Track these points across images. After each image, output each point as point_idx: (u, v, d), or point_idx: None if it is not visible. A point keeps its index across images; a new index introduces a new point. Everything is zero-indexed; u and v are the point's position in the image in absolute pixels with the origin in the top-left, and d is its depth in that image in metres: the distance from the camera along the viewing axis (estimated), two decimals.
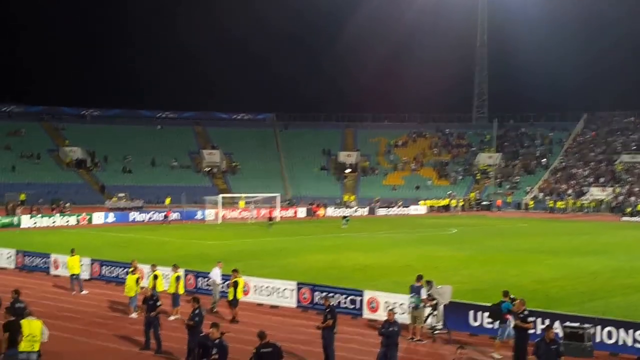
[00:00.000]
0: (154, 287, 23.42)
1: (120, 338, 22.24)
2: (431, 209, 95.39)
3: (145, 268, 28.54)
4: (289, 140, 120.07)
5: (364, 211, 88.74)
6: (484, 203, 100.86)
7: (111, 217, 70.61)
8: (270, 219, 66.23)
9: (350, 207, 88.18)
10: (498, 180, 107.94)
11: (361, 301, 25.36)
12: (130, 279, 25.81)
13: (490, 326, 22.48)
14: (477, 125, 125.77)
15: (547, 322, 21.07)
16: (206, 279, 29.14)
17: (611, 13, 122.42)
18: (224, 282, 26.79)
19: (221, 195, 77.09)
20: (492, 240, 54.54)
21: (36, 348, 16.54)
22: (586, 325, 20.86)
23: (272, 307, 27.20)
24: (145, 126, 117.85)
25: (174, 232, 59.70)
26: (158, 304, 21.23)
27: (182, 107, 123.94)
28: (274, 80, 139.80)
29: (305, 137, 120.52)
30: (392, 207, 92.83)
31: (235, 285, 24.90)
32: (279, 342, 16.13)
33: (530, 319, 19.75)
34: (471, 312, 23.19)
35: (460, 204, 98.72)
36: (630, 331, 20.60)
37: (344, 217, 69.55)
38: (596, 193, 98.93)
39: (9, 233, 55.82)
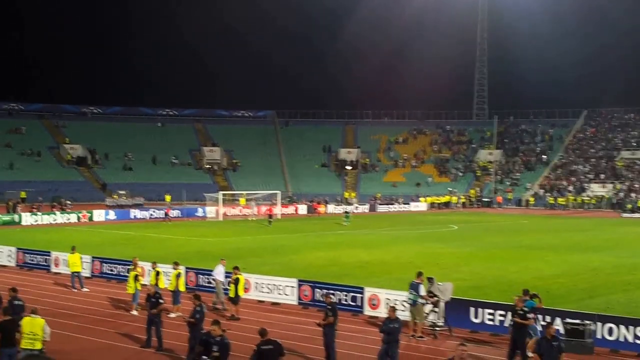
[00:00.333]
0: (156, 284, 23.42)
1: (121, 335, 22.25)
2: (432, 205, 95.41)
3: (146, 265, 28.57)
4: (289, 137, 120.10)
5: (365, 208, 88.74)
6: (485, 200, 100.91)
7: (112, 214, 70.65)
8: (270, 216, 66.25)
9: (351, 204, 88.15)
10: (498, 176, 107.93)
11: (362, 298, 25.35)
12: (131, 276, 25.83)
13: (491, 323, 22.50)
14: (478, 122, 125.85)
15: (547, 318, 21.07)
16: (206, 276, 29.21)
17: (611, 9, 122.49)
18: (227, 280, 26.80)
19: (222, 193, 77.13)
20: (492, 237, 54.54)
21: (37, 346, 16.48)
22: (587, 322, 20.86)
23: (273, 304, 27.22)
24: (146, 123, 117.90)
25: (175, 229, 59.69)
26: (160, 301, 21.23)
27: (183, 104, 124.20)
28: (274, 77, 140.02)
29: (305, 134, 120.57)
30: (393, 204, 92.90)
31: (236, 282, 24.90)
32: (279, 339, 16.14)
33: (530, 315, 19.73)
34: (472, 309, 23.18)
35: (462, 200, 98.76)
36: (631, 328, 20.58)
37: (346, 213, 69.64)
38: (597, 189, 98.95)
39: (10, 231, 55.83)
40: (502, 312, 22.13)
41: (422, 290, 22.65)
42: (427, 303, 22.80)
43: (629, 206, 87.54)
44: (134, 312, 25.09)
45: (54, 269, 34.77)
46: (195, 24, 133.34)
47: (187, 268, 29.61)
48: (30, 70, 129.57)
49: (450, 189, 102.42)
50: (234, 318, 24.30)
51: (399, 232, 59.27)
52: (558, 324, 20.80)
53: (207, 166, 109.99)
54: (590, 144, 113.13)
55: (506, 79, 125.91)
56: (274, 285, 27.74)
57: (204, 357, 15.89)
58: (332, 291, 25.02)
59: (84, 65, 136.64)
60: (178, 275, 25.63)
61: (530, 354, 18.37)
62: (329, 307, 19.66)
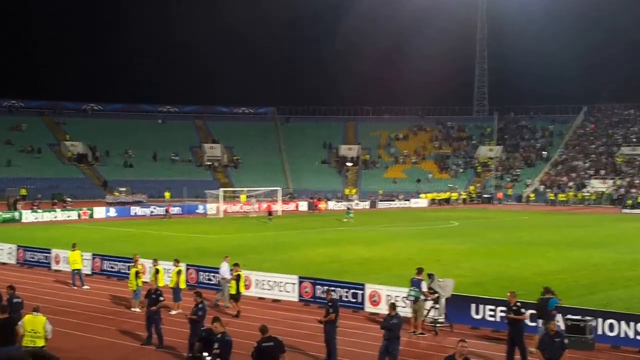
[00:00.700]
0: (156, 281, 23.42)
1: (122, 333, 22.25)
2: (432, 202, 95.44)
3: (147, 263, 28.55)
4: (290, 134, 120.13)
5: (366, 204, 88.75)
6: (485, 196, 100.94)
7: (112, 211, 70.67)
8: (270, 213, 66.25)
9: (352, 200, 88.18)
10: (499, 173, 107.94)
11: (363, 295, 25.36)
12: (132, 273, 25.83)
13: (492, 319, 22.50)
14: (478, 118, 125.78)
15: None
16: (207, 273, 29.23)
17: (611, 5, 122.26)
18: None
19: (222, 189, 77.19)
20: (493, 233, 54.54)
21: (38, 344, 16.46)
22: (588, 318, 20.84)
23: (274, 301, 27.22)
24: (147, 120, 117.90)
25: (175, 226, 59.71)
26: (160, 298, 21.21)
27: (183, 101, 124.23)
28: (275, 73, 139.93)
29: (306, 130, 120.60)
30: (393, 200, 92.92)
31: (238, 279, 24.91)
32: (280, 336, 16.13)
33: (524, 310, 19.70)
34: (473, 305, 23.18)
35: (462, 196, 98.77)
36: (632, 324, 20.56)
37: (348, 209, 69.74)
38: (597, 185, 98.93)
39: (10, 228, 55.85)
40: (503, 309, 22.06)
41: (424, 287, 22.66)
42: (427, 299, 22.81)
43: (630, 202, 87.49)
44: (136, 309, 25.08)
45: (54, 267, 34.77)
46: (195, 21, 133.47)
47: (187, 265, 29.63)
48: (30, 67, 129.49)
49: (451, 185, 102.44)
50: (237, 315, 24.28)
51: (399, 229, 59.28)
52: (559, 320, 20.76)
53: (208, 163, 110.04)
54: (590, 140, 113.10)
55: (506, 75, 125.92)
56: (275, 282, 27.74)
57: (205, 354, 15.88)
58: (332, 288, 25.01)
59: (85, 62, 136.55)
60: (179, 273, 25.63)
61: (532, 350, 18.41)
62: (330, 303, 19.66)
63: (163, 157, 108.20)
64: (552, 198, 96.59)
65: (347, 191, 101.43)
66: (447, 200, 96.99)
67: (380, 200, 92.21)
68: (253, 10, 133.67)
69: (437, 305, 22.94)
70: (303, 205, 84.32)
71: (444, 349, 19.69)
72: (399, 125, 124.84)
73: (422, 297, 22.52)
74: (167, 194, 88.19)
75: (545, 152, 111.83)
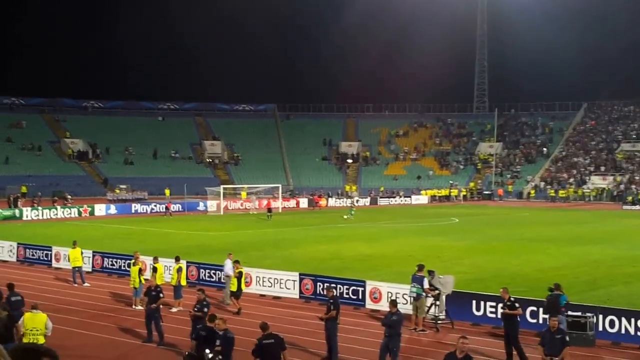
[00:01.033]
0: (154, 279, 23.44)
1: (122, 330, 22.26)
2: (433, 198, 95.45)
3: (147, 260, 28.56)
4: (290, 131, 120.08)
5: (366, 201, 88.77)
6: (485, 192, 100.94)
7: (113, 209, 70.65)
8: (269, 210, 66.20)
9: (352, 197, 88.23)
10: (499, 169, 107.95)
11: (363, 292, 25.37)
12: (134, 271, 25.84)
13: (493, 315, 22.52)
14: (478, 114, 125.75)
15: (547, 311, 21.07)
16: (208, 270, 29.27)
17: (611, 1, 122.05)
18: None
19: (223, 187, 77.07)
20: (493, 230, 54.54)
21: (40, 341, 16.47)
22: (588, 314, 20.87)
23: (275, 298, 27.23)
24: (147, 118, 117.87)
25: (176, 223, 59.72)
26: (160, 295, 21.23)
27: (184, 98, 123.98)
28: (275, 71, 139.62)
29: (306, 127, 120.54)
30: (394, 197, 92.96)
31: (239, 276, 24.93)
32: (281, 333, 16.14)
33: (518, 305, 19.78)
34: (474, 302, 23.20)
35: (463, 193, 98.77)
36: (632, 320, 20.60)
37: (351, 206, 69.66)
38: (597, 182, 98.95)
39: (11, 225, 55.84)
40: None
41: (426, 284, 22.68)
42: (428, 296, 22.83)
43: (630, 198, 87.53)
44: (138, 307, 25.07)
45: (55, 264, 34.76)
46: (195, 18, 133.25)
47: (188, 262, 29.64)
48: (30, 64, 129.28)
49: (452, 182, 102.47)
50: (238, 312, 24.28)
51: (400, 226, 59.29)
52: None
53: (208, 160, 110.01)
54: (590, 137, 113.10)
55: (506, 71, 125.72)
56: (276, 279, 27.76)
57: (207, 350, 15.90)
58: (333, 285, 25.02)
59: (85, 59, 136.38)
60: (179, 270, 25.63)
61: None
62: (331, 300, 19.67)
63: (163, 154, 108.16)
64: (553, 194, 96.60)
65: (347, 188, 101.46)
66: (447, 197, 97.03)
67: (381, 197, 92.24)
68: (253, 7, 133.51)
69: (437, 302, 22.95)
70: (303, 202, 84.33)
71: (445, 346, 19.70)
72: (399, 122, 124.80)
73: (424, 294, 22.55)
74: (167, 191, 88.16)
75: (546, 149, 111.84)
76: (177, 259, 26.43)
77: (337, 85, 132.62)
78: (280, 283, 27.54)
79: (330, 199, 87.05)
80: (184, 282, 25.81)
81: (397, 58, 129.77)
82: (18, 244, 37.54)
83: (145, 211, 71.50)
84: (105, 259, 33.21)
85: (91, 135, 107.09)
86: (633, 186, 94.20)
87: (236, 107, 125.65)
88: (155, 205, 73.06)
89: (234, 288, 24.88)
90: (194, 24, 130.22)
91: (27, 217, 62.86)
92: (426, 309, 22.84)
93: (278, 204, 76.03)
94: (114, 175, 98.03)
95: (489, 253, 40.21)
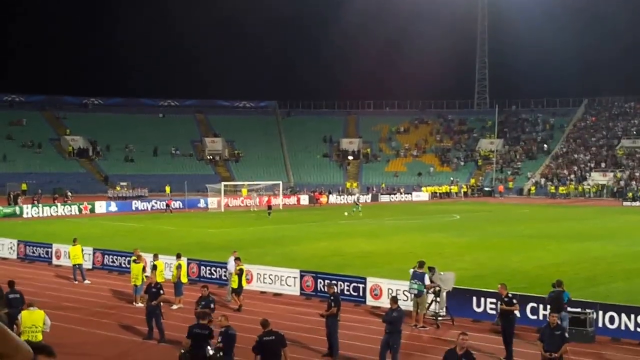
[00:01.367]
0: (154, 276, 23.46)
1: (123, 328, 22.27)
2: (433, 195, 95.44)
3: (148, 257, 28.54)
4: (291, 128, 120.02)
5: (367, 198, 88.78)
6: (486, 189, 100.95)
7: (113, 206, 70.67)
8: (269, 207, 66.19)
9: (354, 194, 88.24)
10: (499, 166, 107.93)
11: (364, 288, 25.38)
12: (135, 268, 25.82)
13: (493, 312, 22.53)
14: (479, 111, 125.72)
15: (548, 307, 21.08)
16: (208, 267, 29.30)
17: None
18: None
19: (223, 183, 77.10)
20: (494, 226, 54.54)
21: (39, 338, 16.51)
22: (588, 311, 20.87)
23: (275, 295, 27.23)
24: (147, 115, 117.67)
25: (176, 220, 59.74)
26: (160, 292, 21.24)
27: (184, 95, 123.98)
28: (275, 67, 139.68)
29: (307, 124, 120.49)
30: (395, 193, 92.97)
31: (240, 273, 24.95)
32: (282, 330, 16.15)
33: (515, 301, 19.82)
34: (474, 299, 23.21)
35: (464, 190, 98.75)
36: (632, 316, 20.61)
37: (356, 203, 69.66)
38: (598, 178, 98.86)
39: (11, 223, 55.85)
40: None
41: (428, 280, 22.69)
42: (429, 293, 22.85)
43: (630, 194, 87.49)
44: (139, 304, 25.07)
45: (55, 261, 34.78)
46: (195, 15, 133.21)
47: (188, 259, 29.64)
48: (31, 61, 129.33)
49: (452, 179, 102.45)
50: (239, 309, 24.30)
51: (400, 222, 59.29)
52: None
53: (209, 157, 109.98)
54: (591, 133, 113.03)
55: (507, 68, 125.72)
56: (276, 276, 27.77)
57: (208, 347, 15.91)
58: (334, 281, 25.03)
59: (85, 56, 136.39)
60: (178, 267, 25.63)
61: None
62: (332, 297, 19.69)
63: (164, 151, 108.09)
64: (553, 191, 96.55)
65: (348, 185, 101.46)
66: (448, 194, 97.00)
67: (382, 194, 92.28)
68: (253, 4, 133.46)
69: (438, 299, 22.96)
70: (304, 199, 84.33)
71: (445, 343, 19.71)
72: (400, 119, 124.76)
73: (426, 290, 22.57)
74: (168, 188, 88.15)
75: (546, 145, 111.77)
76: (179, 256, 26.44)
77: (338, 82, 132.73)
78: (281, 280, 27.55)
79: (330, 195, 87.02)
80: (184, 279, 25.81)
81: (398, 55, 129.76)
82: (18, 241, 37.55)
83: (145, 208, 71.48)
84: (106, 256, 33.24)
85: (91, 132, 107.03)
86: (633, 182, 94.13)
87: (237, 104, 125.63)
88: (155, 203, 73.07)
89: (234, 285, 24.90)
90: (194, 21, 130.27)
91: (27, 214, 62.89)
92: (427, 305, 22.85)
93: (279, 200, 76.02)
94: (114, 172, 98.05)
95: (490, 249, 40.22)
